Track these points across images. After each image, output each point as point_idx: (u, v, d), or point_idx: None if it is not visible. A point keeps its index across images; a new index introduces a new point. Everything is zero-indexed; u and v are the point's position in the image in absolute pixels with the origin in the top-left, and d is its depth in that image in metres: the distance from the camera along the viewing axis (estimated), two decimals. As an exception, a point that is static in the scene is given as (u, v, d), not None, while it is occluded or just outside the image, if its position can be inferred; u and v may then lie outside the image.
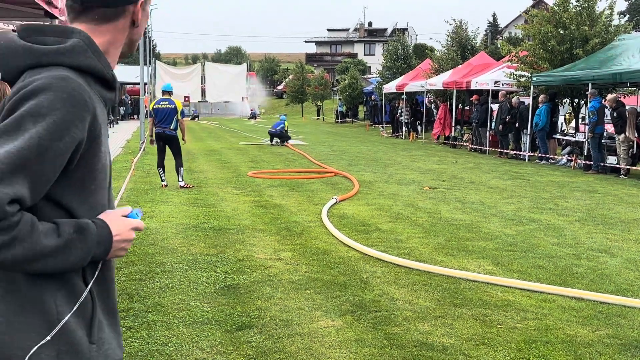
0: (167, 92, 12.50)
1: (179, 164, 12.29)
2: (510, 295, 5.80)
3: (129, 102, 45.54)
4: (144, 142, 20.93)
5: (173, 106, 12.16)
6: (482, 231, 8.58)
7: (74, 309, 1.56)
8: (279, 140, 23.79)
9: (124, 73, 52.68)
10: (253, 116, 52.93)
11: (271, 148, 22.67)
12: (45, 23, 1.66)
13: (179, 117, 12.22)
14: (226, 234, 8.26)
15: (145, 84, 42.17)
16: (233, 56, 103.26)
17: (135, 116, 45.48)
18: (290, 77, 59.45)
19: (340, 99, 46.39)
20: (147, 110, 40.99)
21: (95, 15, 1.62)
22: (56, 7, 4.67)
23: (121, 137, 26.54)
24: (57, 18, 4.76)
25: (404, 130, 29.20)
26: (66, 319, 1.54)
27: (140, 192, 11.73)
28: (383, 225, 8.99)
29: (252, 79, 67.70)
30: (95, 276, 1.61)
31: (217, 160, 17.83)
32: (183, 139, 12.51)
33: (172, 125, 12.14)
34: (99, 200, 1.61)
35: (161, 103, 12.29)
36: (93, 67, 1.56)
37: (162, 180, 12.37)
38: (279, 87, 70.89)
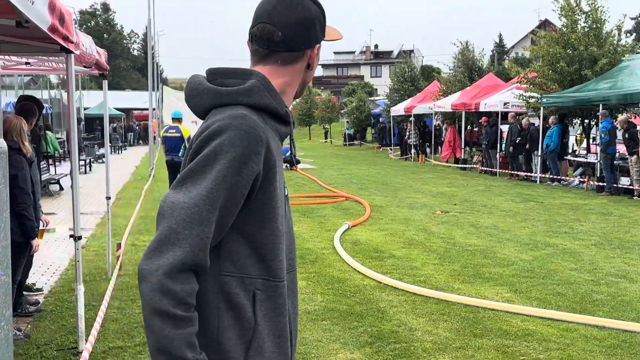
0: (177, 119, 12.54)
1: None
2: (531, 325, 5.70)
3: (137, 127, 45.74)
4: (152, 168, 20.97)
5: (179, 135, 12.24)
6: (497, 257, 8.48)
7: (234, 329, 1.66)
8: (287, 165, 23.78)
9: (131, 99, 53.11)
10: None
11: (280, 172, 22.63)
12: (227, 67, 1.81)
13: (187, 144, 12.22)
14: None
15: (154, 109, 42.53)
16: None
17: (142, 142, 45.73)
18: (297, 100, 59.65)
19: (347, 122, 46.46)
20: (155, 136, 41.41)
21: (278, 59, 1.79)
22: (72, 42, 4.66)
23: (130, 163, 26.59)
24: (72, 52, 4.75)
25: (412, 152, 29.15)
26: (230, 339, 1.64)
27: (151, 220, 11.67)
28: (397, 251, 8.90)
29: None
30: (258, 301, 1.69)
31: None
32: None
33: (181, 152, 12.18)
34: (277, 227, 1.72)
35: (169, 131, 12.37)
36: (268, 104, 1.72)
37: None
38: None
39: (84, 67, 6.41)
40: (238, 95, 1.70)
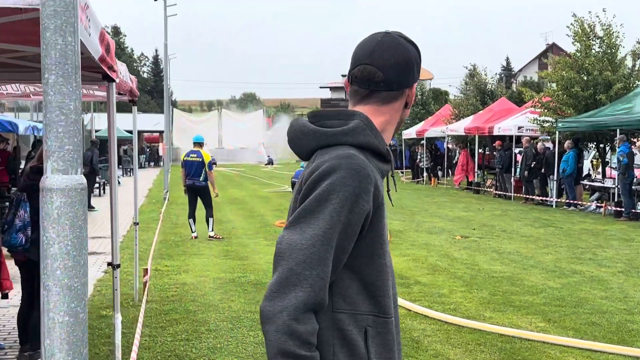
0: (198, 143, 12.53)
1: (209, 214, 12.29)
2: (569, 356, 5.62)
3: (148, 150, 45.89)
4: (167, 191, 20.99)
5: (200, 159, 12.17)
6: (525, 284, 8.40)
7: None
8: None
9: (141, 121, 53.32)
10: (270, 162, 53.13)
11: (294, 195, 22.60)
12: (329, 109, 1.87)
13: (207, 169, 12.17)
14: (265, 289, 8.12)
15: (162, 131, 42.99)
16: (248, 102, 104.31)
17: (152, 163, 45.88)
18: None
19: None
20: (162, 157, 41.60)
21: (379, 99, 1.84)
22: (114, 71, 4.68)
23: (143, 186, 26.62)
24: (114, 81, 4.77)
25: (424, 175, 29.11)
26: None
27: (171, 244, 11.66)
28: (422, 277, 8.84)
29: (269, 125, 68.23)
30: (370, 337, 1.72)
31: (242, 209, 17.79)
32: (214, 192, 12.43)
33: (202, 177, 12.16)
34: (385, 262, 1.76)
35: (190, 156, 12.34)
36: (371, 143, 1.76)
37: (193, 232, 12.31)
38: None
39: (119, 93, 6.43)
40: (343, 135, 1.75)
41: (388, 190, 1.95)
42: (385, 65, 1.81)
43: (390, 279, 1.80)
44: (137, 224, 7.72)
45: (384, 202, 1.75)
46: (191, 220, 12.35)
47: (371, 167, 1.71)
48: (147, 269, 8.05)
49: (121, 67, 5.68)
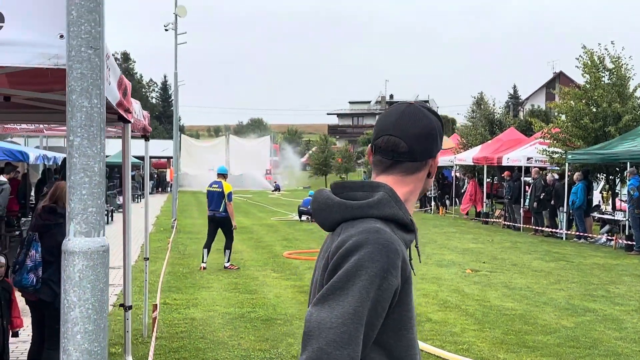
0: (221, 174, 12.55)
1: (227, 245, 12.40)
2: (586, 402, 5.51)
3: (156, 175, 46.00)
4: (175, 219, 20.97)
5: (220, 190, 12.24)
6: (538, 323, 8.29)
7: None
8: (309, 216, 23.70)
9: (149, 146, 53.48)
10: (277, 189, 53.16)
11: (302, 224, 22.57)
12: (352, 180, 1.88)
13: (227, 200, 12.16)
14: (274, 326, 8.06)
15: (170, 158, 43.07)
16: (255, 128, 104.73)
17: (160, 189, 45.93)
18: (314, 149, 59.94)
19: (365, 172, 46.55)
20: (170, 183, 41.60)
21: (402, 169, 1.85)
22: (130, 112, 4.70)
23: (150, 213, 26.60)
24: (129, 122, 4.78)
25: (432, 204, 29.03)
26: None
27: (179, 276, 11.61)
28: (433, 314, 8.75)
29: (276, 151, 68.40)
30: None
31: (251, 239, 17.75)
32: (233, 224, 12.41)
33: (221, 208, 12.20)
34: (413, 338, 1.74)
35: (212, 186, 12.47)
36: (396, 215, 1.75)
37: (203, 262, 12.28)
38: (303, 159, 71.41)
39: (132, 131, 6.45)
40: (369, 208, 1.74)
41: (410, 260, 1.93)
42: (409, 136, 1.83)
43: (417, 353, 1.77)
44: (147, 259, 7.69)
45: (411, 275, 1.74)
46: (205, 250, 12.35)
47: (398, 241, 1.69)
48: (156, 305, 7.99)
49: (135, 106, 5.70)
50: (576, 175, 18.03)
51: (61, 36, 2.47)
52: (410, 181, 1.86)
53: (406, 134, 1.83)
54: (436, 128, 1.87)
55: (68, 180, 2.22)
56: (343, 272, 1.62)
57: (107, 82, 3.46)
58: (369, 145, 1.94)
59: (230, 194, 12.23)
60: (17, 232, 14.10)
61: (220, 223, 12.32)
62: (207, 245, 12.35)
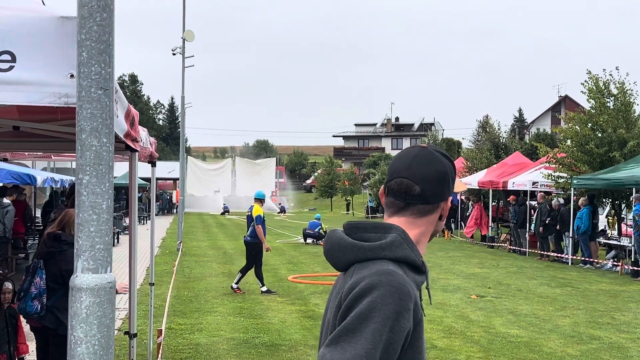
0: (257, 199, 12.75)
1: (243, 269, 12.65)
2: None
3: (162, 197, 46.12)
4: (180, 242, 20.99)
5: (250, 213, 12.51)
6: (544, 351, 8.26)
7: None
8: (315, 239, 23.70)
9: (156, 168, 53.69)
10: (282, 210, 53.16)
11: (307, 247, 22.55)
12: (365, 221, 1.89)
13: (255, 223, 12.28)
14: (279, 351, 8.05)
15: (176, 179, 43.28)
16: (261, 149, 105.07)
17: (166, 211, 46.00)
18: (320, 171, 60.02)
19: (370, 194, 46.53)
20: (176, 204, 41.76)
21: (414, 211, 1.87)
22: (137, 142, 4.75)
23: (156, 235, 26.64)
24: (136, 151, 4.83)
25: (438, 228, 28.93)
26: None
27: (184, 300, 11.61)
28: (438, 341, 8.72)
29: (282, 173, 68.49)
30: None
31: (255, 262, 17.70)
32: (265, 247, 12.55)
33: (249, 232, 12.47)
34: None
35: (249, 210, 12.70)
36: (407, 257, 1.78)
37: (261, 286, 12.50)
38: (308, 181, 71.48)
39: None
40: (381, 250, 1.76)
41: (421, 299, 1.95)
42: (422, 179, 1.86)
43: None
44: (153, 284, 7.71)
45: (422, 318, 1.76)
46: (258, 276, 12.54)
47: (410, 284, 1.71)
48: (161, 330, 8.00)
49: (142, 134, 5.75)
50: (581, 200, 18.01)
51: (71, 76, 2.53)
52: (422, 223, 1.89)
53: (419, 177, 1.86)
54: (448, 172, 1.91)
55: (77, 218, 2.27)
56: (356, 314, 1.64)
57: (115, 116, 3.54)
58: (382, 186, 1.98)
59: (258, 217, 12.28)
60: (23, 255, 14.16)
61: (246, 246, 12.63)
62: (242, 269, 12.67)
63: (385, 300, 1.63)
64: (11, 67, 2.57)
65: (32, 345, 6.73)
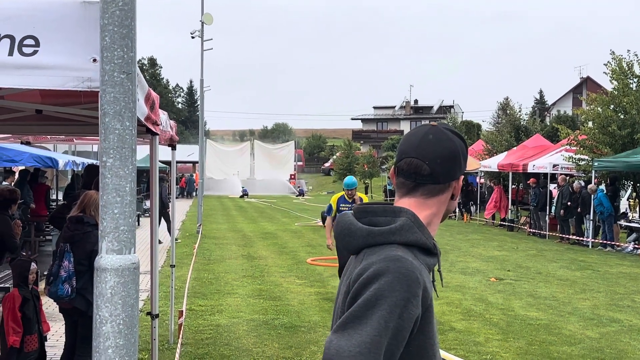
0: (345, 188, 9.99)
1: None
2: (611, 415, 5.49)
3: (182, 179, 46.43)
4: (200, 224, 21.16)
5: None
6: (563, 333, 8.25)
7: None
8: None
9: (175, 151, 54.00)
10: (301, 193, 53.27)
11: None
12: (375, 205, 1.85)
13: (333, 208, 9.92)
14: (298, 333, 8.12)
15: (196, 162, 43.55)
16: (280, 132, 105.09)
17: (186, 194, 46.31)
18: (338, 154, 59.92)
19: (389, 177, 46.40)
20: (196, 188, 42.03)
21: (425, 192, 1.84)
22: (158, 125, 4.79)
23: (176, 218, 26.86)
24: (157, 134, 4.88)
25: (457, 211, 28.88)
26: None
27: (204, 282, 11.73)
28: (456, 323, 8.74)
29: (300, 156, 68.52)
30: None
31: (274, 245, 17.84)
32: (327, 241, 10.27)
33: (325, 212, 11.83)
34: None
35: None
36: (418, 240, 1.74)
37: None
38: (327, 164, 71.45)
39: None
40: (391, 234, 1.73)
41: (433, 281, 1.94)
42: (431, 158, 1.81)
43: None
44: (174, 266, 7.80)
45: (432, 302, 1.74)
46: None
47: (419, 269, 1.69)
48: (182, 311, 8.10)
49: (163, 117, 5.80)
50: (590, 185, 17.89)
51: (94, 60, 2.57)
52: (432, 204, 1.84)
53: (429, 156, 1.81)
54: (459, 150, 1.86)
55: (101, 200, 2.31)
56: (363, 300, 1.62)
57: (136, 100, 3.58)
58: (392, 167, 1.94)
59: (329, 207, 10.03)
60: (46, 237, 14.38)
61: None
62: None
63: (392, 287, 1.61)
64: (35, 52, 2.61)
65: (55, 326, 6.86)
